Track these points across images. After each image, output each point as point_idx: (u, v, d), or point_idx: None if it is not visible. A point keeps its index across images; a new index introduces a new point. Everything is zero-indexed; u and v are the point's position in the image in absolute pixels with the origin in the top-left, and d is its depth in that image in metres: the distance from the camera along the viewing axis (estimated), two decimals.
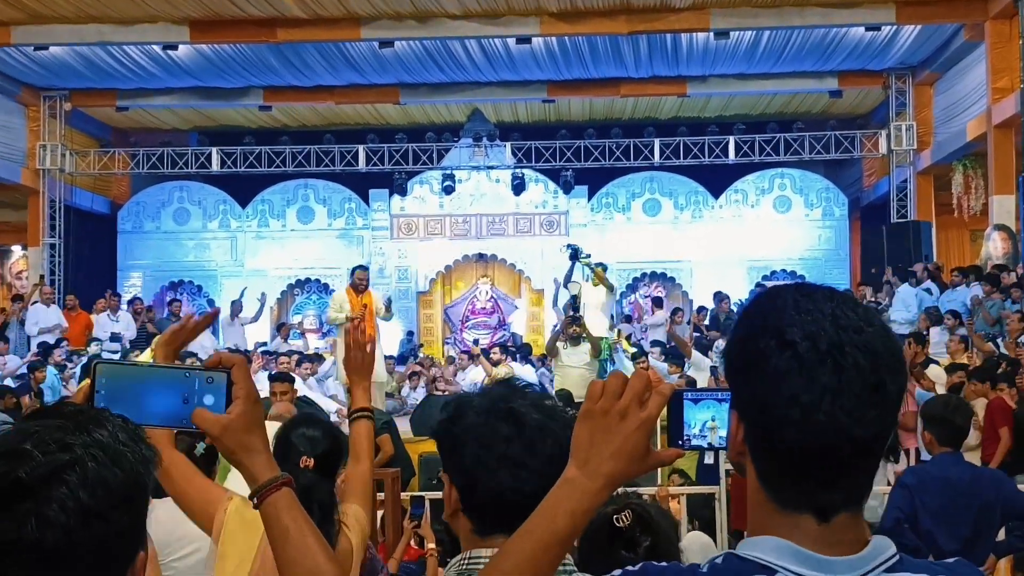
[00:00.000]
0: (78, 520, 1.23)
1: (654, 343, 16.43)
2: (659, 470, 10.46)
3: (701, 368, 13.33)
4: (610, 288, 14.19)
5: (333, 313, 12.84)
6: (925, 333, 13.03)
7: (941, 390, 9.83)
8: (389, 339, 16.83)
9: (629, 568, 1.39)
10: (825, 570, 1.32)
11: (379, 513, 6.14)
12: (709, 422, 1.52)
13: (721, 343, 15.60)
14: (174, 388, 1.65)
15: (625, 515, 2.90)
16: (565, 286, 14.29)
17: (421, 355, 19.21)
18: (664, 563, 1.39)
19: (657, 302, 18.78)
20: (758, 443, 1.38)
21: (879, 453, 1.36)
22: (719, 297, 18.65)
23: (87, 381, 1.68)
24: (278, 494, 1.70)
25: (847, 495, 1.36)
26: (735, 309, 17.81)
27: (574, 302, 13.54)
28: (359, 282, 12.39)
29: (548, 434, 1.91)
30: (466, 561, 1.92)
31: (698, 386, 10.79)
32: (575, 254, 13.94)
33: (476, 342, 19.24)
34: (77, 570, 1.25)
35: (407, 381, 16.03)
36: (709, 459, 9.17)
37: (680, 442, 1.52)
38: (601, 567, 1.81)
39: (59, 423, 1.30)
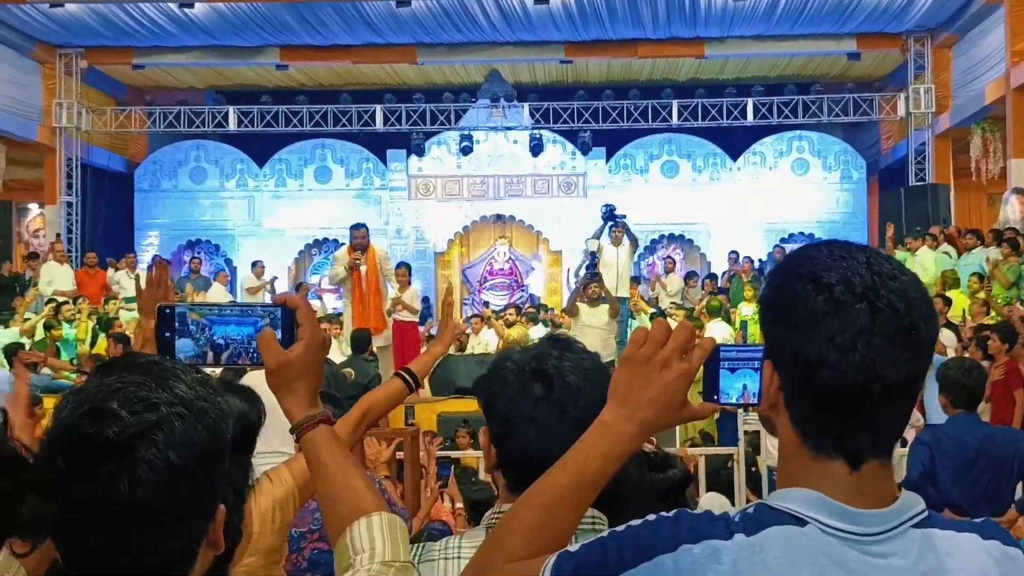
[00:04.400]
0: (167, 479, 1.26)
1: (676, 306, 16.38)
2: (677, 432, 10.53)
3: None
4: (635, 242, 14.03)
5: (333, 271, 12.73)
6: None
7: (952, 353, 9.81)
8: None
9: (663, 513, 1.41)
10: (855, 522, 1.34)
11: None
12: (743, 392, 1.52)
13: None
14: (242, 324, 1.68)
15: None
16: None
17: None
18: (697, 511, 1.42)
19: (670, 264, 18.76)
20: (792, 388, 1.39)
21: (910, 399, 1.38)
22: (732, 257, 18.73)
23: (144, 325, 1.70)
24: (315, 431, 1.69)
25: (877, 439, 1.38)
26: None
27: (593, 260, 13.40)
28: (359, 240, 12.17)
29: (582, 397, 1.88)
30: (495, 515, 1.92)
31: None
32: (611, 214, 13.75)
33: (487, 304, 19.20)
34: (164, 527, 1.29)
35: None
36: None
37: (715, 397, 1.53)
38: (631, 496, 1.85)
39: (139, 379, 1.31)
